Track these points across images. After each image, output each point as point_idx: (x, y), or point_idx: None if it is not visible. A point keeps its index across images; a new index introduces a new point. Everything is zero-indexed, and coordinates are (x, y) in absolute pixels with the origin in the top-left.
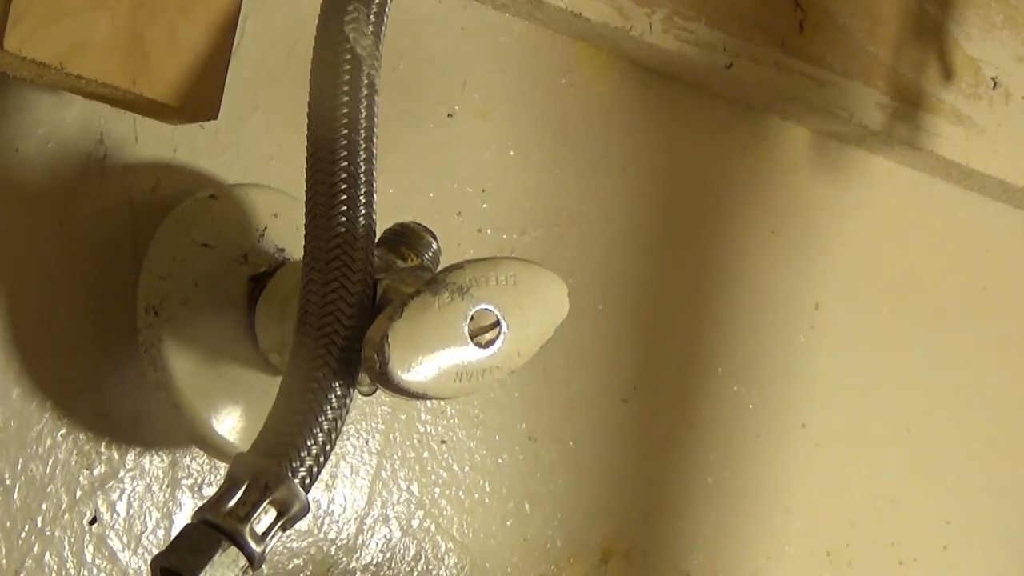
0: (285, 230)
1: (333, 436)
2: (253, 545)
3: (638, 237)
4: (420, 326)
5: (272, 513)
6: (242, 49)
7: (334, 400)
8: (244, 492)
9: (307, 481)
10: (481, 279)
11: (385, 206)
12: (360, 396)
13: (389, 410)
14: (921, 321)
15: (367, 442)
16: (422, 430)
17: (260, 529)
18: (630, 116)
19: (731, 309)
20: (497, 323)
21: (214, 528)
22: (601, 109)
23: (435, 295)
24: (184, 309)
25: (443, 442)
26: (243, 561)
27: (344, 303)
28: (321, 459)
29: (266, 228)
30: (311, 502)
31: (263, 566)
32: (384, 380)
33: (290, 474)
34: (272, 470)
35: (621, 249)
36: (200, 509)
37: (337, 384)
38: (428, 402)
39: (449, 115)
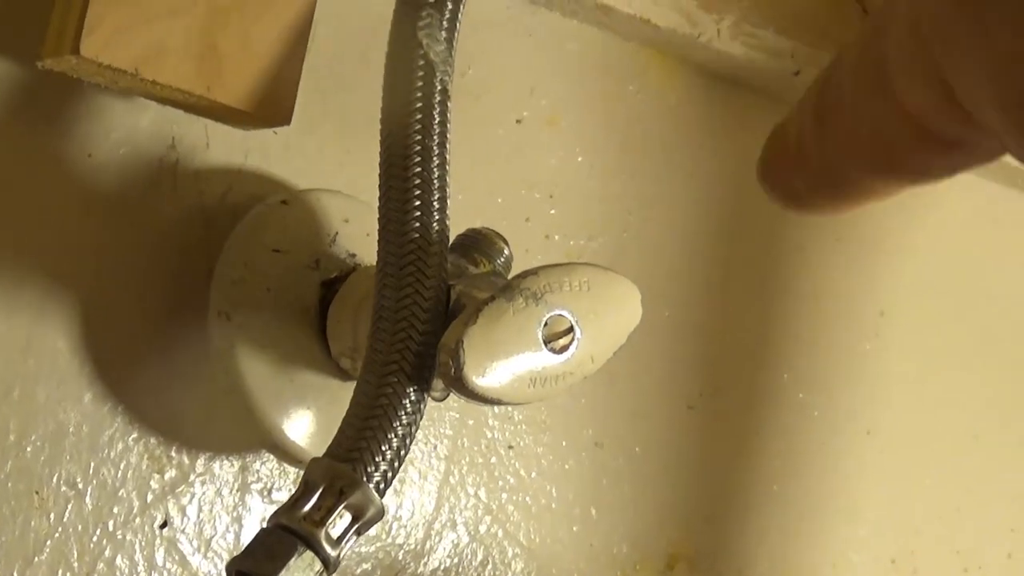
0: (356, 235)
1: (408, 441)
2: (328, 549)
3: (704, 243)
4: (495, 332)
5: (347, 517)
6: (313, 54)
7: (408, 405)
8: (319, 496)
9: (382, 486)
10: (555, 285)
11: (454, 212)
12: (430, 401)
13: (457, 416)
14: (988, 330)
15: (435, 447)
16: (489, 435)
17: (335, 534)
18: (698, 122)
19: (796, 316)
20: (571, 329)
21: (290, 532)
22: (668, 115)
23: (510, 301)
24: (256, 314)
25: (510, 447)
26: (318, 565)
27: (419, 308)
28: (396, 464)
29: (337, 233)
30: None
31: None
32: (459, 386)
33: (365, 479)
34: (347, 475)
35: (687, 255)
36: (275, 513)
37: (411, 390)
38: (496, 408)
39: (517, 121)
